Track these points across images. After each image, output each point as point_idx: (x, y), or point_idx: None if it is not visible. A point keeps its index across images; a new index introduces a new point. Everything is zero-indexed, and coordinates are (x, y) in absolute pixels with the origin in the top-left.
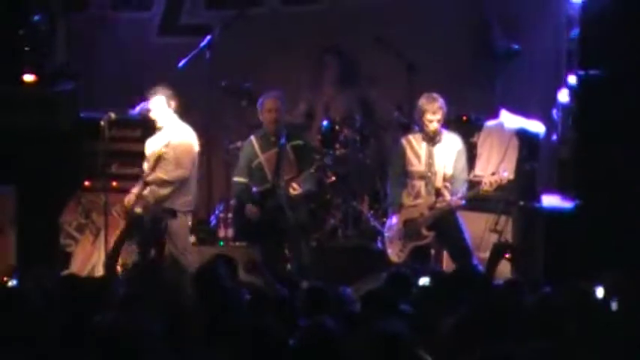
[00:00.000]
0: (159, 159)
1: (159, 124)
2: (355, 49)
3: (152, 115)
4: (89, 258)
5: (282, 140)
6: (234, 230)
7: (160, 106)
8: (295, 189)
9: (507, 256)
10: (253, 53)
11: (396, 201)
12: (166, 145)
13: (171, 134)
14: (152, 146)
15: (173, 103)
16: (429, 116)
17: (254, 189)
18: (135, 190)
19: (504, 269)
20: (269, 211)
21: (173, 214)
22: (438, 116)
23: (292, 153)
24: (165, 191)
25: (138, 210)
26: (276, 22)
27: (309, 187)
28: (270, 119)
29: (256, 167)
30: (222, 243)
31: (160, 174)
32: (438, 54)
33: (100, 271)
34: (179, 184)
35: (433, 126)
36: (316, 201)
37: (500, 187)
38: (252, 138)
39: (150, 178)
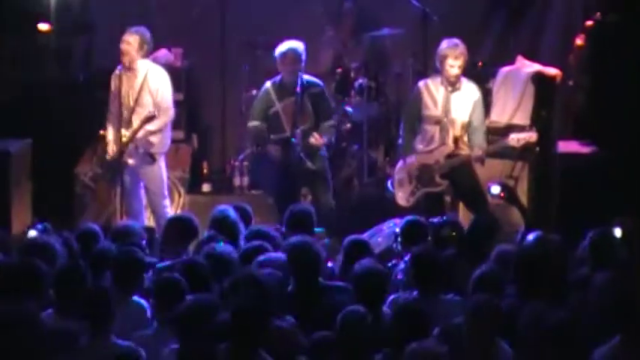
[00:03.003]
0: (145, 121)
1: (131, 65)
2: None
3: (125, 57)
4: (105, 207)
5: (299, 89)
6: (252, 177)
7: (135, 46)
8: (317, 139)
9: (502, 195)
10: (265, 4)
11: (408, 144)
12: (146, 91)
13: (148, 78)
14: (129, 88)
15: (146, 47)
16: (450, 61)
17: (298, 134)
18: (114, 138)
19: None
20: (288, 159)
21: (152, 157)
22: (460, 62)
23: (309, 102)
24: (154, 139)
25: (130, 161)
26: None
27: (328, 138)
28: (289, 70)
29: (273, 115)
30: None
31: (149, 127)
32: (453, 3)
33: (116, 220)
34: (163, 129)
35: (454, 71)
36: (333, 151)
37: (528, 144)
38: (269, 85)
39: (138, 135)
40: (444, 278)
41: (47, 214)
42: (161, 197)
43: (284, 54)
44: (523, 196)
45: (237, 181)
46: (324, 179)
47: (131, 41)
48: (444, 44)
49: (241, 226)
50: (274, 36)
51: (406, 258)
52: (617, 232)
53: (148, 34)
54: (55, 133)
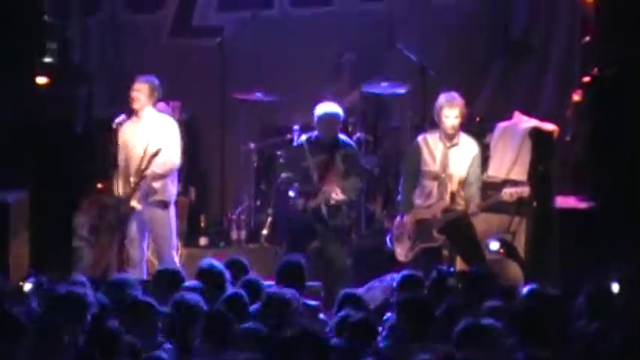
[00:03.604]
0: (153, 157)
1: (140, 113)
2: (369, 51)
3: (136, 103)
4: (104, 259)
5: (334, 148)
6: (273, 229)
7: (145, 94)
8: (338, 194)
9: (502, 251)
10: (266, 56)
11: (407, 200)
12: (157, 139)
13: (156, 126)
14: (137, 136)
15: (156, 95)
16: (446, 111)
17: (295, 187)
18: (122, 184)
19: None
20: (309, 212)
21: (164, 205)
22: (456, 112)
23: (341, 162)
24: (157, 184)
25: (135, 205)
26: (288, 25)
27: (351, 196)
28: (326, 131)
29: (304, 169)
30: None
31: (154, 168)
32: (453, 56)
33: (114, 271)
34: (170, 175)
35: (450, 122)
36: (356, 209)
37: (521, 199)
38: (304, 140)
39: (146, 173)
40: (436, 328)
41: (45, 266)
42: (170, 247)
43: (323, 117)
44: (520, 251)
45: (234, 235)
46: (339, 237)
47: (142, 88)
48: (441, 97)
49: (228, 276)
50: (274, 89)
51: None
52: (614, 285)
53: (157, 83)
54: (53, 184)
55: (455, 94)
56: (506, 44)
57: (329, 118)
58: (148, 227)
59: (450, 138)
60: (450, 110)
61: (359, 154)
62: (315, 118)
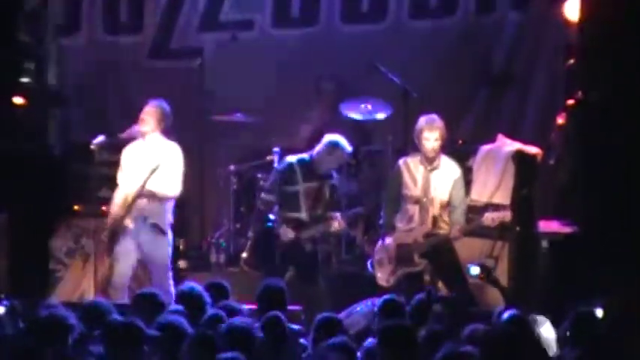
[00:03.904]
0: (152, 172)
1: (147, 137)
2: (350, 75)
3: (144, 126)
4: (79, 284)
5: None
6: (254, 253)
7: (155, 118)
8: (341, 224)
9: (482, 276)
10: (246, 78)
11: (389, 223)
12: (160, 160)
13: (163, 149)
14: (140, 158)
15: (165, 122)
16: (425, 134)
17: (276, 211)
18: (121, 203)
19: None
20: (301, 243)
21: (160, 230)
22: (436, 134)
23: (328, 191)
24: (154, 206)
25: (129, 224)
26: (268, 47)
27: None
28: (331, 162)
29: (291, 194)
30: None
31: (154, 189)
32: (435, 80)
33: (90, 297)
34: (167, 202)
35: (430, 144)
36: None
37: (502, 224)
38: (294, 162)
39: (143, 191)
40: (417, 355)
41: (22, 289)
42: (166, 274)
43: (334, 149)
44: (503, 276)
45: (214, 258)
46: (316, 263)
47: (152, 112)
48: (421, 119)
49: (207, 299)
50: (254, 111)
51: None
52: (599, 312)
53: (168, 109)
54: (30, 207)
55: (435, 117)
56: (488, 75)
57: (340, 152)
58: (140, 250)
59: (430, 161)
60: (430, 133)
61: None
62: (325, 146)
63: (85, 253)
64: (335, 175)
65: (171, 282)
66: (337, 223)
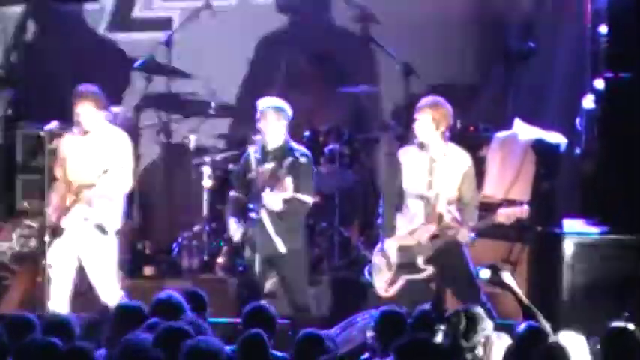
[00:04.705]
0: (99, 170)
1: (87, 129)
2: (343, 51)
3: (81, 119)
4: (28, 293)
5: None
6: (231, 257)
7: (91, 108)
8: (285, 188)
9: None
10: (219, 53)
11: (389, 224)
12: (104, 155)
13: (106, 141)
14: (82, 151)
15: (104, 104)
16: (414, 116)
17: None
18: (58, 202)
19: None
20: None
21: (104, 230)
22: (427, 115)
23: (290, 172)
24: (99, 206)
25: (68, 225)
26: (246, 16)
27: (299, 209)
28: (271, 131)
29: (250, 181)
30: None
31: (100, 188)
32: (441, 57)
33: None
34: (116, 199)
35: (417, 126)
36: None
37: (520, 222)
38: (251, 149)
39: (88, 192)
40: None
41: None
42: (110, 279)
43: (264, 112)
44: (523, 284)
45: (185, 263)
46: (298, 264)
47: (86, 102)
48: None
49: (188, 309)
50: (228, 96)
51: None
52: (631, 326)
53: (102, 94)
54: None
55: (431, 97)
56: (503, 50)
57: (271, 113)
58: (83, 255)
59: (433, 150)
60: (417, 114)
61: (312, 167)
62: (256, 116)
63: (34, 257)
64: (303, 152)
65: (119, 290)
66: (280, 188)
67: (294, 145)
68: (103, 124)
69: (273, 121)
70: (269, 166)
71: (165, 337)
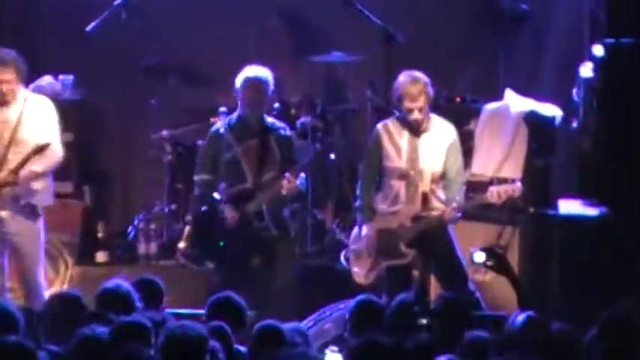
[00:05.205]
0: (34, 148)
1: (9, 98)
2: (317, 15)
3: (6, 96)
4: None
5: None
6: (195, 247)
7: (14, 76)
8: (291, 182)
9: (489, 264)
10: (182, 16)
11: (368, 205)
12: (27, 126)
13: (28, 110)
14: (3, 126)
15: (23, 74)
16: (407, 104)
17: (222, 188)
18: None
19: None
20: (248, 219)
21: (33, 210)
22: (420, 103)
23: (277, 146)
24: (38, 185)
25: (3, 214)
26: None
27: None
28: (252, 103)
29: (230, 161)
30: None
31: (34, 167)
32: (425, 21)
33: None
34: (49, 174)
35: (414, 116)
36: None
37: (512, 199)
38: (224, 126)
39: (22, 173)
40: None
41: None
42: (39, 265)
43: (246, 82)
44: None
45: (142, 248)
46: (286, 248)
47: (8, 72)
48: (401, 79)
49: (137, 300)
50: (189, 61)
51: None
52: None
53: (21, 58)
54: None
55: (418, 76)
56: (493, 14)
57: (256, 84)
58: (12, 243)
59: (417, 124)
60: (412, 103)
61: (293, 139)
62: (237, 89)
63: None
64: (282, 126)
65: (43, 278)
66: (286, 181)
67: (270, 119)
68: (22, 92)
69: (257, 93)
70: (252, 143)
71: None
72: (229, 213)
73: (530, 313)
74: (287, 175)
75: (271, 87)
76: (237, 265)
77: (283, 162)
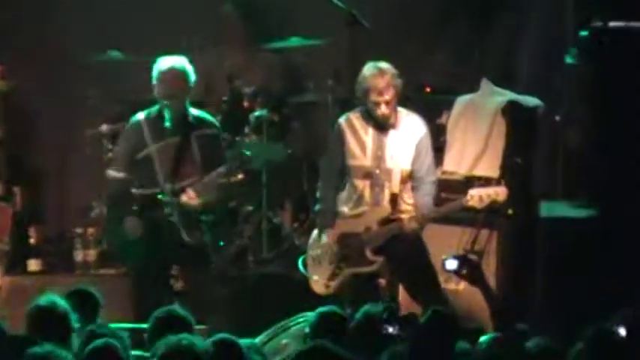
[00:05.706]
0: None
1: None
2: None
3: None
4: None
5: (189, 125)
6: (108, 245)
7: None
8: (191, 197)
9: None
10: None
11: (329, 207)
12: None
13: None
14: None
15: None
16: (373, 97)
17: (134, 190)
18: None
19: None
20: (155, 226)
21: None
22: (387, 97)
23: (197, 146)
24: None
25: None
26: None
27: (210, 197)
28: (169, 94)
29: (143, 160)
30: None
31: None
32: (393, 2)
33: None
34: None
35: (381, 111)
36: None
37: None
38: (141, 118)
39: None
40: None
41: None
42: None
43: (163, 73)
44: (491, 278)
45: (79, 255)
46: (204, 258)
47: None
48: (365, 71)
49: (74, 321)
50: (130, 50)
51: None
52: (622, 331)
53: None
54: None
55: (384, 68)
56: None
57: (169, 73)
58: None
59: (384, 119)
60: (379, 96)
61: (221, 137)
62: (153, 80)
63: None
64: (210, 120)
65: None
66: (186, 195)
67: (195, 112)
68: None
69: (177, 84)
70: (171, 141)
71: None
72: (129, 223)
73: (496, 334)
74: (189, 190)
75: (192, 76)
76: (149, 276)
77: (204, 166)
